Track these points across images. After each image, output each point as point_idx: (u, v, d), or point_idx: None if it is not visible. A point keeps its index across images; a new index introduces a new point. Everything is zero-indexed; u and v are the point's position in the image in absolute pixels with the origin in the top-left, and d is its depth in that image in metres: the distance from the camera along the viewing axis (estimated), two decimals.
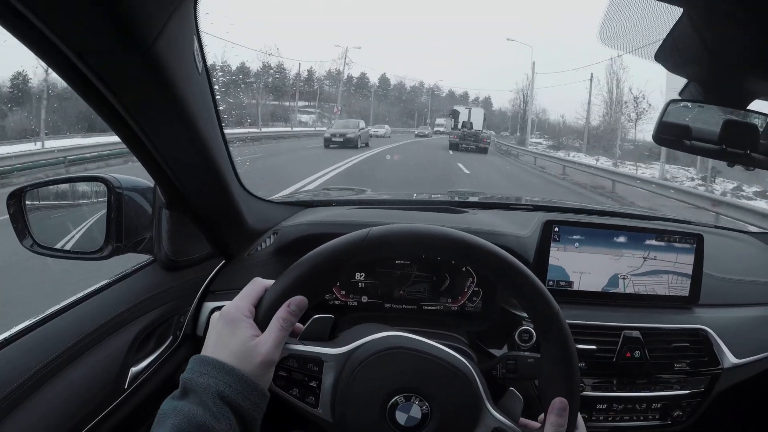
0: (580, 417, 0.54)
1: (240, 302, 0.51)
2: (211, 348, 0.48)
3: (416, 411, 0.52)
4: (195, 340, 0.81)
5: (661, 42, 0.70)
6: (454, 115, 25.57)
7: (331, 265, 0.52)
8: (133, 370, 0.68)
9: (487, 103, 61.55)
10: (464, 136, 20.26)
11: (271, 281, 0.53)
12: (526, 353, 0.66)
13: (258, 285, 0.53)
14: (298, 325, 0.56)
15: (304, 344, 0.54)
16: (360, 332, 0.57)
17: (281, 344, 0.50)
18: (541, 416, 0.54)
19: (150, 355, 0.72)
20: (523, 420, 0.55)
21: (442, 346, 0.55)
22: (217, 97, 0.68)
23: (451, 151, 18.77)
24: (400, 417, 0.52)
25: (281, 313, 0.50)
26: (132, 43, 0.46)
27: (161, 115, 0.57)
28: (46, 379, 0.58)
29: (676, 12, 0.64)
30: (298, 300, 0.50)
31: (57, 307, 0.67)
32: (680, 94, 0.77)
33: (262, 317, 0.50)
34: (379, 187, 7.85)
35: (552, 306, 0.52)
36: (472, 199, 1.32)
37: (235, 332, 0.48)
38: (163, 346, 0.75)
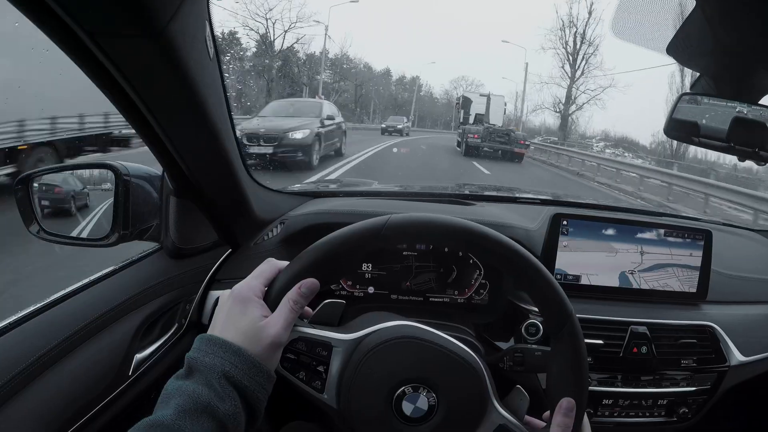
0: (585, 417, 0.53)
1: (252, 282, 0.50)
2: (219, 327, 0.48)
3: (423, 402, 0.51)
4: (200, 328, 0.81)
5: (673, 35, 0.70)
6: (464, 104, 18.53)
7: (347, 250, 0.51)
8: (138, 356, 0.68)
9: (430, 99, 45.63)
10: (489, 134, 13.23)
11: (285, 262, 0.53)
12: (534, 346, 0.66)
13: (271, 265, 0.52)
14: (308, 309, 0.56)
15: (314, 327, 0.53)
16: (371, 320, 0.56)
17: (290, 326, 0.49)
18: (546, 414, 0.54)
19: (155, 342, 0.72)
20: (527, 418, 0.54)
21: (452, 338, 0.55)
22: (226, 81, 0.68)
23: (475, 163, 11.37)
24: (407, 407, 0.51)
25: (292, 294, 0.49)
26: (146, 24, 0.45)
27: (172, 100, 0.57)
28: (51, 363, 0.57)
29: (690, 4, 0.64)
30: (309, 282, 0.50)
31: (62, 292, 0.67)
32: (691, 87, 0.76)
33: (273, 298, 0.50)
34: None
35: (566, 306, 0.52)
36: (480, 191, 1.32)
37: (246, 312, 0.47)
38: (168, 334, 0.75)
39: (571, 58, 23.86)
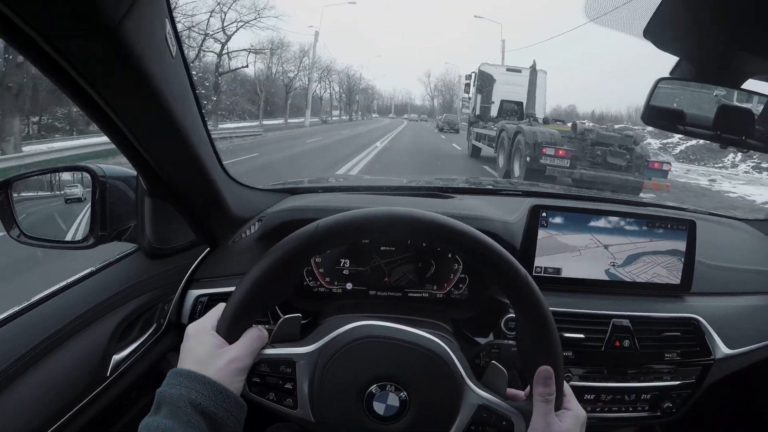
0: (566, 384, 0.53)
1: (203, 319, 0.53)
2: (182, 363, 0.50)
3: (393, 399, 0.52)
4: (180, 328, 0.82)
5: (650, 17, 0.67)
6: (481, 83, 10.90)
7: (285, 265, 0.52)
8: (116, 357, 0.69)
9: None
10: (588, 148, 6.30)
11: None
12: (510, 341, 0.65)
13: (221, 305, 0.54)
14: (264, 332, 0.56)
15: (274, 347, 0.54)
16: (329, 327, 0.56)
17: (248, 347, 0.50)
18: (528, 388, 0.53)
19: (133, 343, 0.73)
20: (510, 391, 0.54)
21: (413, 329, 0.54)
22: (195, 79, 0.67)
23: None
24: (378, 407, 0.52)
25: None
26: (97, 24, 0.45)
27: (133, 100, 0.57)
28: (28, 366, 0.59)
29: None
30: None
31: (40, 295, 0.68)
32: (671, 72, 0.73)
33: (225, 328, 0.51)
34: None
35: (518, 270, 0.51)
36: (460, 184, 1.30)
37: (200, 342, 0.50)
38: (147, 334, 0.76)
39: None
